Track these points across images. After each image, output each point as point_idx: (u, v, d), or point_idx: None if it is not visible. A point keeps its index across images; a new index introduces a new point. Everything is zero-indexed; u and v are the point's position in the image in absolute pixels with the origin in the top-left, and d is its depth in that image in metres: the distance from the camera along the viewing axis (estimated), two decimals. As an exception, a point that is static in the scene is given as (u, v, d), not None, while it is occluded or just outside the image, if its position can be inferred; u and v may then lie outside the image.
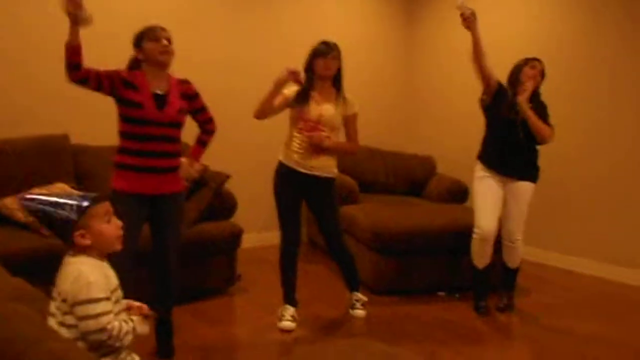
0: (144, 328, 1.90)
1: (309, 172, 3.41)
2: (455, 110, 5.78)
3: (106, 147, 3.69)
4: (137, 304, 1.97)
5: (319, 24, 5.55)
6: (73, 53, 2.51)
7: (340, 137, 3.55)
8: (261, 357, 3.15)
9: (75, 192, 1.92)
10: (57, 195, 1.88)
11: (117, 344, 1.79)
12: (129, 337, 1.82)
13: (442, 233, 4.20)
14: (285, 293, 3.59)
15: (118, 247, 1.90)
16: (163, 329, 3.01)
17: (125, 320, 1.84)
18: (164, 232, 2.96)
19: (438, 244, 4.21)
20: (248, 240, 4.70)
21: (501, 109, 3.73)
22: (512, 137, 3.74)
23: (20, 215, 3.40)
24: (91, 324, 1.72)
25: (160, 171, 2.85)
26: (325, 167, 3.45)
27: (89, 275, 1.76)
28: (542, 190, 5.13)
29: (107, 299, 1.78)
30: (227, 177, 4.19)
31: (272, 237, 5.55)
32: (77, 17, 2.43)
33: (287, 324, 3.44)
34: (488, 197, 3.82)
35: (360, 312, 3.71)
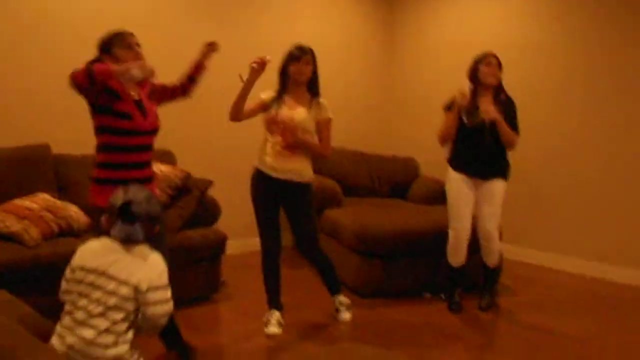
0: None
1: (282, 177, 3.38)
2: (436, 112, 5.80)
3: (89, 156, 3.65)
4: None
5: (296, 28, 5.55)
6: (107, 78, 2.52)
7: None
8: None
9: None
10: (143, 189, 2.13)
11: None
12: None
13: (426, 235, 4.22)
14: (270, 298, 3.58)
15: None
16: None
17: None
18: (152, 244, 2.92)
19: (422, 245, 4.23)
20: (232, 247, 4.68)
21: (464, 120, 3.81)
22: (480, 141, 3.81)
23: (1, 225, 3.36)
24: (163, 309, 1.96)
25: (143, 181, 2.72)
26: (300, 171, 3.41)
27: (161, 263, 2.03)
28: (524, 189, 5.20)
29: None
30: (210, 183, 4.17)
31: (257, 243, 5.50)
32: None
33: (273, 329, 3.43)
34: (460, 199, 3.89)
35: (345, 316, 3.71)
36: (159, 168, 3.71)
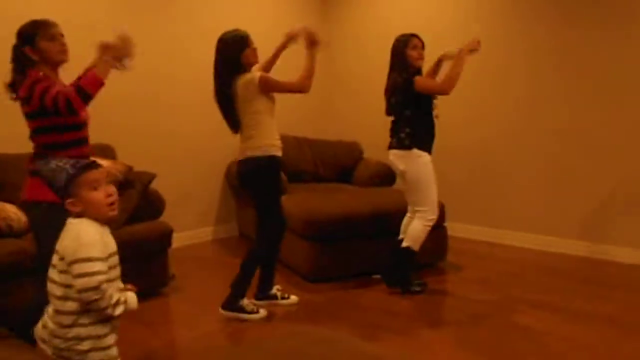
0: (135, 303, 1.98)
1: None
2: (377, 94, 5.87)
3: (24, 155, 3.53)
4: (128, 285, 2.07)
5: (230, 16, 5.47)
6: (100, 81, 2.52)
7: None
8: (206, 355, 3.11)
9: (71, 160, 1.99)
10: (63, 160, 1.98)
11: (109, 311, 1.87)
12: (121, 309, 1.90)
13: (373, 217, 4.28)
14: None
15: (111, 213, 1.98)
16: None
17: (119, 291, 1.95)
18: None
19: (370, 228, 4.28)
20: (179, 239, 4.64)
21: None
22: (432, 117, 3.89)
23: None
24: (86, 282, 1.81)
25: None
26: None
27: (87, 235, 1.86)
28: (468, 166, 5.34)
29: (104, 260, 1.87)
30: (153, 176, 4.10)
31: (204, 234, 5.52)
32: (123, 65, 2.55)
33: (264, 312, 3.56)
34: (434, 182, 3.89)
35: (294, 297, 3.80)
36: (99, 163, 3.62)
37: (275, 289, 3.81)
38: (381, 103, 4.01)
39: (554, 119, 4.92)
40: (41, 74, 2.59)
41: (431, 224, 3.89)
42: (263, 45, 3.58)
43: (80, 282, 1.81)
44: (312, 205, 4.31)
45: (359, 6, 6.29)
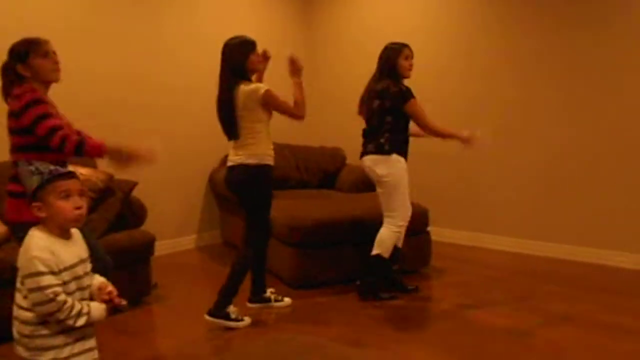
0: (100, 313, 1.93)
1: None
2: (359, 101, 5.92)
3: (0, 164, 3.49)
4: (109, 288, 2.03)
5: (215, 22, 5.48)
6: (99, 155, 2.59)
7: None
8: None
9: (52, 167, 1.95)
10: (44, 165, 1.94)
11: (70, 322, 1.84)
12: (83, 320, 1.86)
13: (357, 223, 4.27)
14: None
15: (75, 225, 1.95)
16: None
17: (81, 301, 1.89)
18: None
19: (353, 234, 4.28)
20: (161, 248, 4.60)
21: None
22: (409, 121, 3.90)
23: None
24: (38, 296, 1.79)
25: None
26: None
27: (33, 250, 1.82)
28: (452, 171, 5.36)
29: (52, 273, 1.81)
30: (135, 184, 4.07)
31: (186, 242, 5.48)
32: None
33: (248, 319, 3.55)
34: (407, 187, 3.90)
35: (287, 299, 3.84)
36: (79, 172, 3.58)
37: (269, 292, 3.82)
38: (362, 110, 4.02)
39: (537, 124, 4.96)
40: (38, 94, 2.55)
41: (401, 230, 3.91)
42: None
43: (33, 297, 1.80)
44: (295, 212, 4.30)
45: (341, 13, 6.31)
